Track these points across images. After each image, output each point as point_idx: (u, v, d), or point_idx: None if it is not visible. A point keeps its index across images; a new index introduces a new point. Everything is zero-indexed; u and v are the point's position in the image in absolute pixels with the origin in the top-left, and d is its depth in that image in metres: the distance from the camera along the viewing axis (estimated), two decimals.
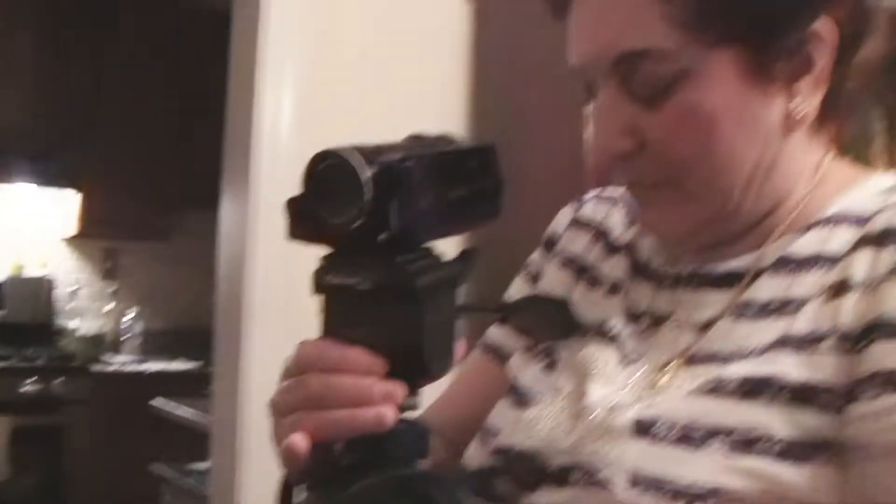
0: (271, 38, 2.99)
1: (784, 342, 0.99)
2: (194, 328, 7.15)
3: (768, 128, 1.04)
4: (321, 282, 0.89)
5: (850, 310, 0.97)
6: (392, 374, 0.87)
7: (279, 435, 0.94)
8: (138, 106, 6.63)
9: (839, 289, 0.99)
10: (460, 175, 0.94)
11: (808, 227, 1.08)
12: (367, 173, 0.83)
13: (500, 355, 1.33)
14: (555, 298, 1.18)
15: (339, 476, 0.87)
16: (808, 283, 1.03)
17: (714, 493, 0.94)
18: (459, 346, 0.93)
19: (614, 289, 1.23)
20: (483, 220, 0.97)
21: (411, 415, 0.89)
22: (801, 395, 0.95)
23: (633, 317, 1.18)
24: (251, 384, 2.91)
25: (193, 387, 5.57)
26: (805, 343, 0.98)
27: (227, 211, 3.13)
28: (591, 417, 1.07)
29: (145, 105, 6.66)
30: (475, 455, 1.19)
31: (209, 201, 6.42)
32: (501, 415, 1.19)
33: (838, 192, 1.10)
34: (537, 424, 1.12)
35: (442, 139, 0.99)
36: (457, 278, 0.91)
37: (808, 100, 1.05)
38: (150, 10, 6.74)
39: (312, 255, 2.89)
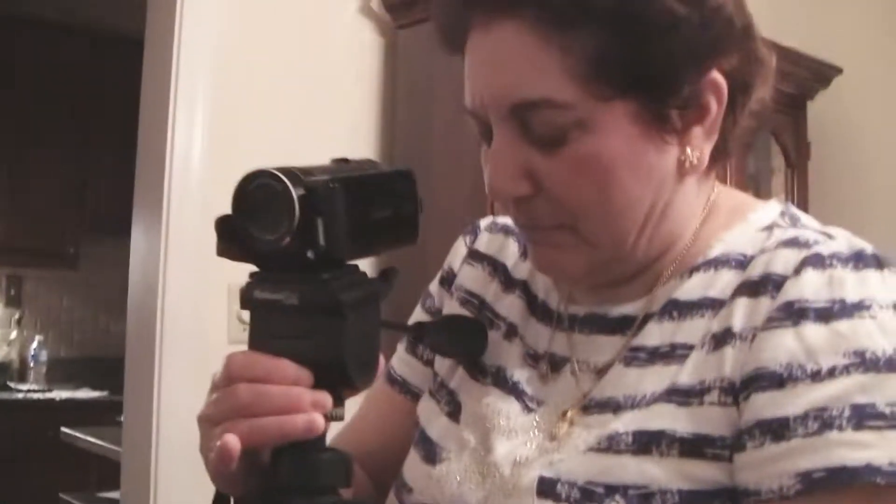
0: (183, 65, 2.99)
1: (671, 393, 1.02)
2: (99, 357, 7.07)
3: (662, 174, 1.06)
4: (249, 297, 0.91)
5: (731, 360, 1.00)
6: (318, 386, 0.90)
7: (209, 446, 0.94)
8: (41, 131, 6.55)
9: (721, 339, 1.02)
10: (382, 198, 0.97)
11: (693, 270, 1.11)
12: (296, 193, 0.86)
13: (403, 387, 1.35)
14: (471, 319, 1.19)
15: (268, 500, 0.89)
16: (694, 328, 1.06)
17: None
18: (380, 361, 0.96)
19: (511, 331, 1.24)
20: (403, 241, 1.00)
21: (337, 425, 0.93)
22: (691, 447, 0.98)
23: (533, 358, 1.20)
24: (162, 414, 2.89)
25: (99, 416, 5.51)
26: (692, 395, 1.01)
27: (137, 239, 3.11)
28: (497, 475, 1.09)
29: (49, 130, 6.58)
30: None
31: (113, 228, 6.43)
32: (413, 470, 1.21)
33: (722, 229, 1.13)
34: (447, 482, 1.14)
35: (365, 163, 1.03)
36: (378, 295, 0.94)
37: (700, 147, 1.07)
38: (49, 35, 6.66)
39: (224, 285, 2.88)
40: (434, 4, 1.15)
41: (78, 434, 4.23)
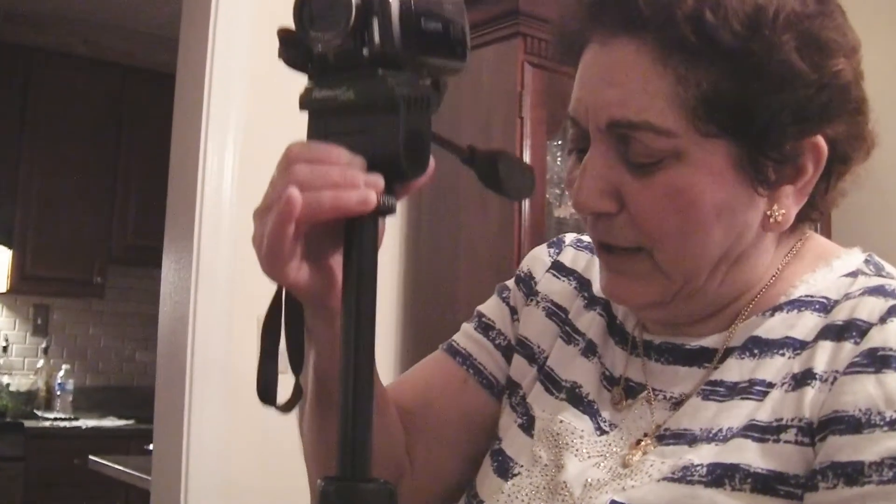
0: (215, 97, 3.03)
1: (749, 429, 1.02)
2: (125, 386, 7.11)
3: (745, 223, 1.07)
4: (307, 98, 0.94)
5: (810, 401, 1.00)
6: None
7: (262, 233, 0.96)
8: (69, 162, 6.61)
9: (802, 379, 1.02)
10: (434, 12, 0.97)
11: (775, 310, 1.11)
12: None
13: (466, 360, 1.35)
14: (523, 162, 1.13)
15: None
16: (774, 366, 1.06)
17: None
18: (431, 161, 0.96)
19: (590, 349, 1.25)
20: (454, 58, 1.00)
21: (389, 213, 0.94)
22: (765, 483, 0.98)
23: (609, 381, 1.21)
24: (192, 442, 2.92)
25: (126, 444, 5.55)
26: (768, 431, 1.01)
27: (168, 270, 3.14)
28: (566, 494, 1.10)
29: (76, 160, 6.64)
30: None
31: (139, 259, 6.47)
32: (486, 481, 1.21)
33: (805, 271, 1.14)
34: (516, 498, 1.15)
35: None
36: (431, 99, 0.95)
37: (788, 206, 1.08)
38: (78, 67, 6.74)
39: (254, 316, 2.89)
40: (558, 16, 1.17)
41: (106, 462, 4.26)
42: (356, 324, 0.90)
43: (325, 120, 0.94)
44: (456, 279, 3.30)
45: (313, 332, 1.04)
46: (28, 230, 6.55)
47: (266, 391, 1.04)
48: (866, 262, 1.15)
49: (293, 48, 0.94)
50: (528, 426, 1.22)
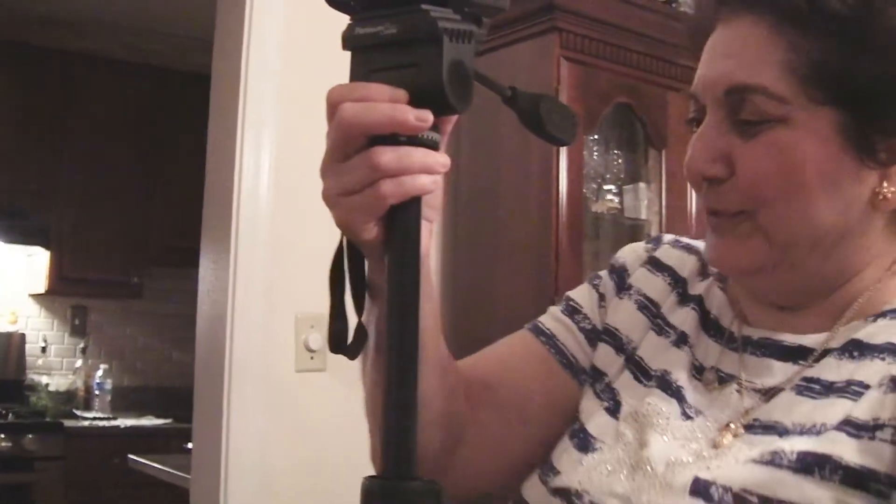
0: (250, 98, 3.04)
1: (846, 424, 1.02)
2: (162, 385, 7.15)
3: (852, 198, 1.10)
4: (350, 35, 0.93)
5: None
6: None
7: (337, 196, 0.95)
8: (106, 164, 6.66)
9: None
10: None
11: (878, 316, 1.12)
12: None
13: (550, 340, 1.37)
14: (567, 107, 1.12)
15: None
16: (873, 369, 1.06)
17: None
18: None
19: (682, 339, 1.28)
20: (492, 8, 0.99)
21: (434, 148, 0.93)
22: (855, 478, 0.98)
23: (698, 370, 1.24)
24: (231, 441, 2.93)
25: (164, 443, 5.57)
26: (864, 429, 1.01)
27: (205, 270, 3.15)
28: (650, 469, 1.12)
29: (113, 162, 6.69)
30: (533, 489, 1.25)
31: (175, 259, 6.51)
32: (564, 456, 1.24)
33: None
34: (596, 470, 1.17)
35: None
36: (474, 35, 0.94)
37: None
38: (115, 70, 6.78)
39: (291, 314, 2.91)
40: (691, 9, 1.25)
41: (146, 461, 4.28)
42: (402, 275, 0.91)
43: (368, 56, 0.93)
44: (494, 275, 3.30)
45: (375, 283, 1.05)
46: (66, 232, 6.60)
47: (336, 341, 1.05)
48: None
49: None
50: (614, 410, 1.25)
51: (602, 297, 1.39)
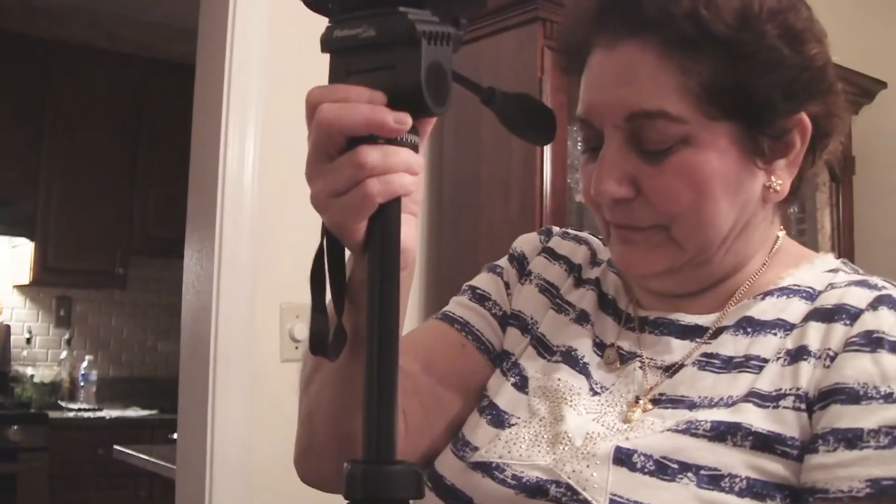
0: (234, 87, 3.04)
1: (752, 395, 1.14)
2: (148, 376, 7.15)
3: (749, 196, 1.22)
4: (328, 38, 0.94)
5: (806, 374, 1.13)
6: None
7: (326, 199, 0.95)
8: (89, 153, 6.65)
9: (796, 355, 1.16)
10: None
11: (765, 295, 1.25)
12: None
13: (465, 327, 1.41)
14: (542, 103, 1.17)
15: None
16: (768, 344, 1.19)
17: None
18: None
19: (582, 317, 1.36)
20: (471, 7, 0.99)
21: (413, 150, 0.94)
22: (765, 442, 1.10)
23: (600, 347, 1.33)
24: (216, 431, 2.93)
25: (150, 434, 5.58)
26: (768, 399, 1.13)
27: (190, 260, 3.15)
28: (568, 443, 1.18)
29: (96, 152, 6.68)
30: (449, 464, 1.29)
31: (160, 250, 6.51)
32: (479, 430, 1.28)
33: (790, 266, 1.29)
34: (515, 443, 1.22)
35: None
36: (452, 37, 0.95)
37: (782, 178, 1.23)
38: (97, 59, 6.76)
39: (276, 304, 2.91)
40: (562, 25, 1.33)
41: (131, 451, 4.28)
42: (381, 275, 0.91)
43: (346, 59, 0.94)
44: (477, 265, 3.29)
45: (356, 280, 1.05)
46: (50, 222, 6.59)
47: (317, 342, 1.05)
48: (843, 262, 1.31)
49: None
50: (521, 385, 1.31)
51: (507, 285, 1.46)
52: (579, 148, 1.29)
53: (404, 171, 0.91)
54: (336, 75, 0.94)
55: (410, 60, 0.90)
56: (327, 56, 0.95)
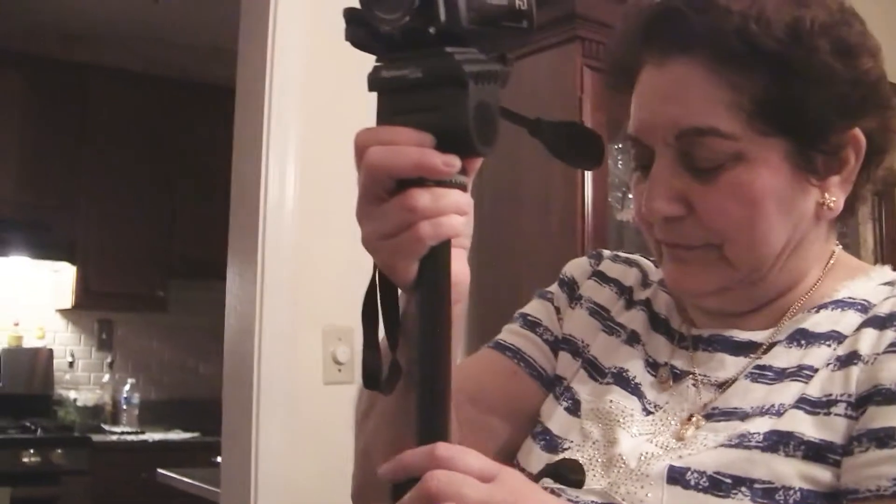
0: (275, 113, 3.05)
1: (801, 402, 1.12)
2: (189, 399, 7.16)
3: (802, 213, 1.20)
4: (376, 77, 0.94)
5: (855, 379, 1.11)
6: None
7: (378, 241, 0.95)
8: (127, 177, 6.69)
9: (847, 360, 1.13)
10: None
11: (819, 308, 1.23)
12: None
13: (516, 354, 1.41)
14: (589, 129, 1.19)
15: None
16: (820, 355, 1.17)
17: None
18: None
19: (634, 338, 1.35)
20: (522, 32, 1.00)
21: (462, 190, 0.94)
22: (816, 451, 1.07)
23: (653, 366, 1.31)
24: (260, 454, 2.94)
25: (192, 457, 5.58)
26: (819, 406, 1.11)
27: (232, 283, 3.16)
28: (622, 465, 1.17)
29: (134, 175, 6.72)
30: None
31: (199, 272, 6.53)
32: (532, 456, 1.28)
33: (845, 279, 1.26)
34: None
35: None
36: (499, 75, 0.95)
37: (836, 195, 1.20)
38: (131, 83, 6.81)
39: (318, 327, 2.91)
40: (610, 43, 1.32)
41: (174, 475, 4.29)
42: (433, 316, 0.92)
43: (394, 99, 0.94)
44: (518, 284, 3.29)
45: (410, 315, 1.05)
46: (90, 246, 6.63)
47: (370, 377, 1.04)
48: None
49: (359, 28, 0.94)
50: (574, 409, 1.30)
51: (558, 310, 1.45)
52: (630, 166, 1.28)
53: (454, 213, 0.92)
54: (383, 116, 0.94)
55: (458, 102, 0.90)
56: (364, 75, 0.95)
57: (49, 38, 6.59)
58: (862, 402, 1.08)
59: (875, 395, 1.07)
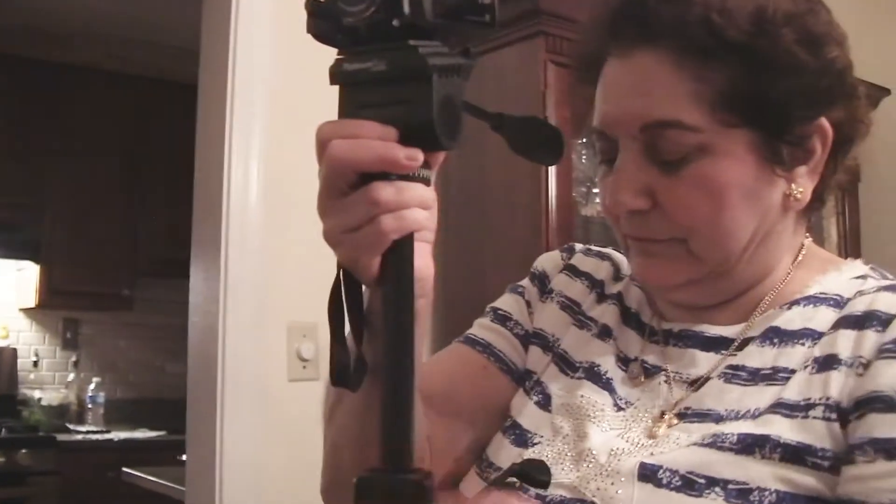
0: (237, 110, 3.04)
1: (777, 406, 1.10)
2: (155, 398, 7.14)
3: (769, 204, 1.18)
4: (338, 70, 0.93)
5: (837, 383, 1.08)
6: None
7: (340, 234, 0.95)
8: (94, 175, 6.65)
9: (826, 363, 1.11)
10: None
11: (791, 304, 1.21)
12: None
13: (486, 349, 1.41)
14: (550, 125, 1.16)
15: None
16: (795, 354, 1.15)
17: None
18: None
19: (605, 332, 1.34)
20: (484, 25, 0.98)
21: (426, 184, 0.94)
22: (793, 454, 1.05)
23: (624, 361, 1.30)
24: (225, 451, 2.93)
25: (158, 455, 5.56)
26: (797, 409, 1.08)
27: (196, 281, 3.15)
28: (592, 460, 1.16)
29: (101, 174, 6.68)
30: (474, 485, 1.28)
31: (165, 271, 6.50)
32: (502, 451, 1.27)
33: (817, 273, 1.25)
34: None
35: None
36: (463, 68, 0.95)
37: (803, 186, 1.20)
38: (102, 82, 6.77)
39: (283, 324, 2.90)
40: (576, 35, 1.32)
41: (140, 474, 4.27)
42: (397, 311, 0.91)
43: (356, 92, 0.93)
44: (484, 280, 3.29)
45: (374, 311, 1.05)
46: (55, 245, 6.59)
47: (337, 373, 1.03)
48: (871, 268, 1.28)
49: (322, 20, 0.94)
50: (544, 403, 1.29)
51: (528, 304, 1.45)
52: (595, 160, 1.27)
53: (418, 206, 0.91)
54: (346, 109, 0.93)
55: (422, 96, 0.90)
56: (327, 71, 0.94)
57: (19, 36, 6.53)
58: (858, 408, 1.05)
59: (875, 402, 1.04)
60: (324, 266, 1.08)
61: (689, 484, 1.07)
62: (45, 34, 6.66)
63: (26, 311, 6.89)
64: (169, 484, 3.95)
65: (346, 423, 1.20)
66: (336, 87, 0.94)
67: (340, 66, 0.93)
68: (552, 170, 3.10)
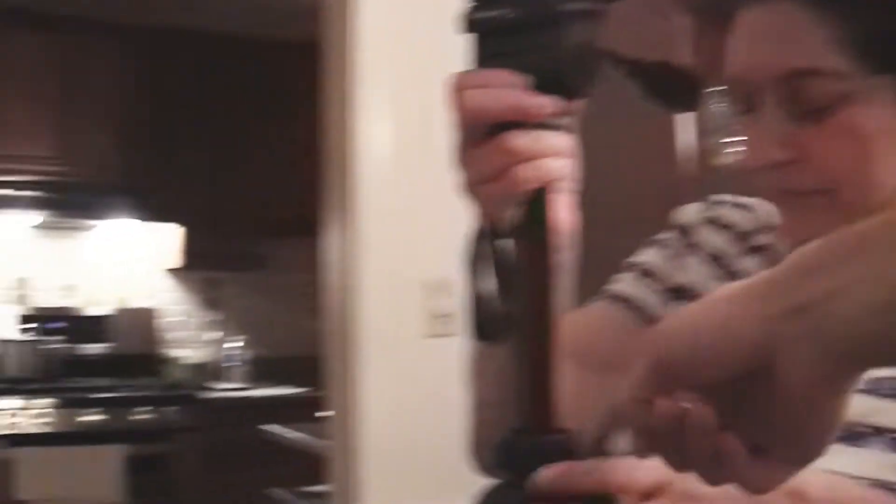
0: (365, 67, 3.06)
1: None
2: (294, 355, 7.24)
3: None
4: (469, 19, 0.92)
5: None
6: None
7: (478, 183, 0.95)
8: (232, 142, 6.76)
9: None
10: None
11: None
12: None
13: (628, 301, 1.38)
14: (688, 74, 1.21)
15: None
16: None
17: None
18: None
19: None
20: None
21: (565, 133, 0.93)
22: None
23: None
24: (364, 407, 2.98)
25: (299, 412, 5.67)
26: None
27: (330, 240, 3.20)
28: None
29: (237, 140, 6.78)
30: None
31: (302, 229, 6.57)
32: None
33: None
34: None
35: None
36: (595, 13, 0.92)
37: None
38: (230, 45, 6.84)
39: (417, 281, 2.91)
40: None
41: (282, 430, 4.34)
42: (534, 264, 0.90)
43: (488, 41, 0.92)
44: (616, 235, 3.27)
45: (512, 265, 1.03)
46: (196, 207, 6.69)
47: (478, 328, 1.02)
48: None
49: None
50: None
51: (670, 258, 1.40)
52: (728, 111, 1.23)
53: (553, 156, 0.90)
54: (477, 58, 0.92)
55: (554, 42, 0.88)
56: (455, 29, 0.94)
57: (162, 6, 6.62)
58: None
59: None
60: (457, 221, 1.08)
61: (850, 434, 1.03)
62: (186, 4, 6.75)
63: (170, 271, 7.05)
64: (311, 439, 4.01)
65: (489, 380, 1.20)
66: (466, 37, 0.94)
67: (471, 14, 0.92)
68: (682, 120, 3.07)
